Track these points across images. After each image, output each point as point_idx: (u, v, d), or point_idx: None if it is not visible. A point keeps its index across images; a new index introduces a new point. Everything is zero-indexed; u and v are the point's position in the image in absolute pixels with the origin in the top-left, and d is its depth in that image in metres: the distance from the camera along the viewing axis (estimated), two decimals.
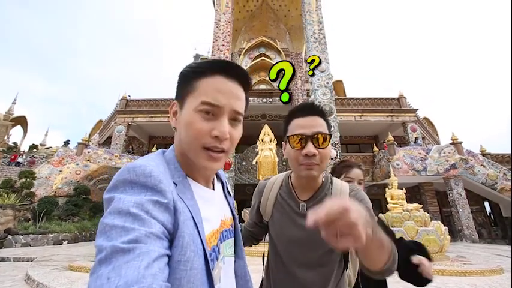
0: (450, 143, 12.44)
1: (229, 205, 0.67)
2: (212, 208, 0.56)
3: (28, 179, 10.28)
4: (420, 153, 12.05)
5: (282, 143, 0.93)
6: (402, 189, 7.49)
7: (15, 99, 23.51)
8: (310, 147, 0.81)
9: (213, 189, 0.60)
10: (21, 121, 23.71)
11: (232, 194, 0.73)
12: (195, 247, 0.44)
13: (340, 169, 1.33)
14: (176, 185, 0.49)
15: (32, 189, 10.33)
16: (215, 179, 0.64)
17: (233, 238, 0.64)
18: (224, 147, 0.51)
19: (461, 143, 12.16)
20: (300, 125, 0.84)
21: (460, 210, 11.26)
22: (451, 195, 11.68)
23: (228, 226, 0.62)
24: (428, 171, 11.73)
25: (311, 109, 0.87)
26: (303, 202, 0.88)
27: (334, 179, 0.94)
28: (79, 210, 10.67)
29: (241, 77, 0.55)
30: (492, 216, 14.29)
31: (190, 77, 0.54)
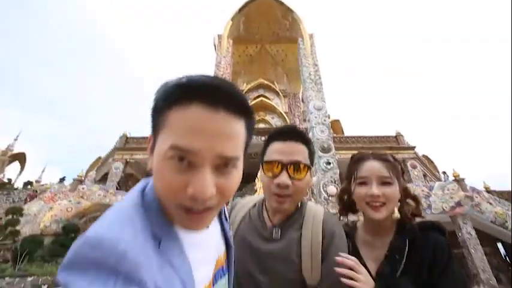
0: (453, 180, 12.25)
1: (226, 237, 0.57)
2: (206, 252, 0.47)
3: (15, 216, 9.80)
4: (423, 191, 11.76)
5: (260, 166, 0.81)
6: None
7: (17, 136, 24.63)
8: (283, 177, 0.71)
9: (207, 227, 0.48)
10: (20, 157, 23.74)
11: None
12: None
13: (350, 168, 0.88)
14: (160, 241, 0.37)
15: (17, 227, 9.78)
16: None
17: (226, 275, 0.54)
18: (208, 206, 0.37)
19: (463, 179, 11.98)
20: (278, 150, 0.74)
21: (472, 251, 10.54)
22: (460, 234, 11.06)
23: (223, 263, 0.53)
24: (434, 209, 11.30)
25: (292, 133, 0.76)
26: (277, 227, 0.76)
27: (309, 202, 0.82)
28: (65, 251, 9.88)
29: (231, 101, 0.37)
30: (508, 259, 13.37)
31: (160, 106, 0.37)
